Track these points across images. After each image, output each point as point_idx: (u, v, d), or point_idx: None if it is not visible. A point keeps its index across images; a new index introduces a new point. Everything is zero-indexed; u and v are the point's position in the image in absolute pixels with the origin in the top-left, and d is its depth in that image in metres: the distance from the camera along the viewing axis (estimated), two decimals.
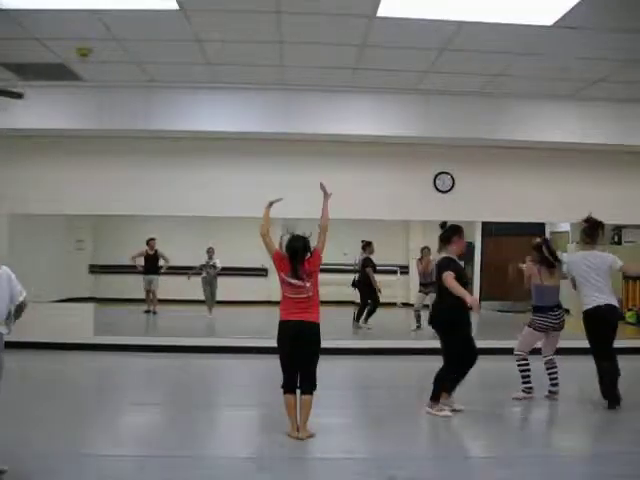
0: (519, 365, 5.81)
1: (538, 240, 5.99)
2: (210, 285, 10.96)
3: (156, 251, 11.04)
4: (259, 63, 6.61)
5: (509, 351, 7.76)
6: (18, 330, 8.03)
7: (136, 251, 11.03)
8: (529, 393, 5.77)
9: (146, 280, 11.07)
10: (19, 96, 6.26)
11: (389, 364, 7.57)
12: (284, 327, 4.58)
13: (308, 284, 4.51)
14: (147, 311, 11.11)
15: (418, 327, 9.72)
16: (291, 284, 4.53)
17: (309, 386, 4.59)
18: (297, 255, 4.51)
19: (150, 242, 11.00)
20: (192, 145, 7.79)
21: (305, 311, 4.54)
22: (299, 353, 4.56)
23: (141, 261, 11.06)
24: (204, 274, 10.93)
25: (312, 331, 4.57)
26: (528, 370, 5.77)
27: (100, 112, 7.36)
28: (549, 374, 5.82)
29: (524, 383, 5.78)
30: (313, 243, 4.67)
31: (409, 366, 7.58)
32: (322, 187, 4.96)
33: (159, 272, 11.08)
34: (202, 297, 10.96)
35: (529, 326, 5.82)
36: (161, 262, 11.09)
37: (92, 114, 7.39)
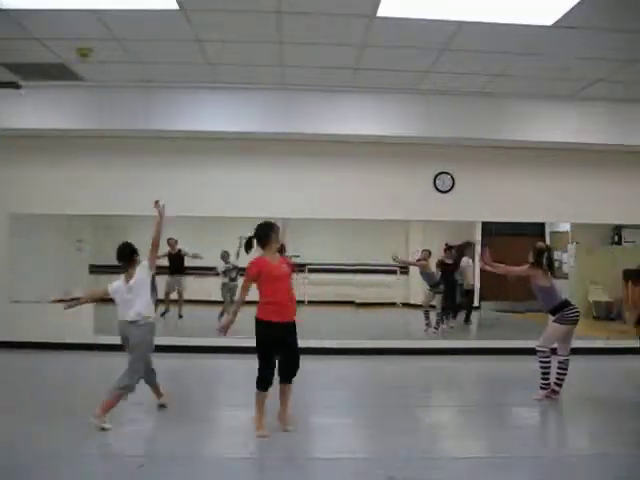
0: (542, 362, 5.80)
1: (542, 245, 6.08)
2: (230, 291, 10.15)
3: (179, 250, 10.49)
4: (259, 63, 6.61)
5: (508, 351, 7.83)
6: (18, 330, 8.07)
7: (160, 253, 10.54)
8: (546, 389, 5.80)
9: (172, 281, 10.41)
10: (17, 86, 6.23)
11: (389, 364, 7.57)
12: (269, 328, 4.65)
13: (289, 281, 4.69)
14: (164, 313, 10.40)
15: (427, 325, 9.72)
16: (276, 277, 4.63)
17: (290, 375, 4.75)
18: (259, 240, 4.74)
19: (170, 241, 10.30)
20: (192, 145, 7.79)
21: (285, 311, 4.68)
22: (279, 350, 4.66)
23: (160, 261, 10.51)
24: (226, 280, 10.24)
25: (293, 329, 4.70)
26: (549, 367, 5.80)
27: (100, 112, 7.37)
28: (558, 373, 5.81)
29: (543, 380, 5.80)
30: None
31: (409, 366, 7.57)
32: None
33: (184, 272, 10.46)
34: (202, 297, 10.78)
35: (558, 322, 5.78)
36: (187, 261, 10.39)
37: (92, 114, 7.40)
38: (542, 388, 5.81)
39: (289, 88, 7.32)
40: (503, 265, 6.04)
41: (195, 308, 10.91)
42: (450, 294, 10.02)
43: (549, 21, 5.21)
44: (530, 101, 7.52)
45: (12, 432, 4.53)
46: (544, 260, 5.81)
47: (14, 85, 6.22)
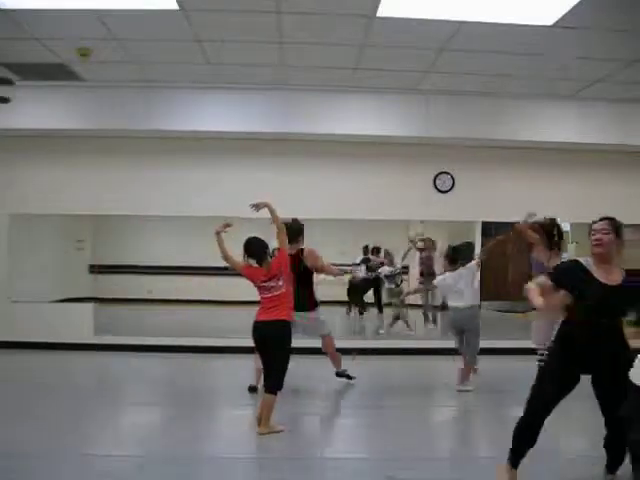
0: (540, 362, 5.67)
1: (549, 220, 5.58)
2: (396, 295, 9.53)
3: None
4: (259, 63, 6.61)
5: (509, 351, 7.83)
6: (18, 330, 8.06)
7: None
8: None
9: None
10: (5, 100, 6.26)
11: (389, 364, 7.57)
12: (254, 328, 4.75)
13: (280, 282, 4.68)
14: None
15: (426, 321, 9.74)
16: (264, 287, 4.71)
17: (269, 384, 4.63)
18: (255, 256, 4.76)
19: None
20: (192, 145, 7.78)
21: (273, 309, 4.67)
22: (267, 351, 4.68)
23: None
24: (392, 286, 9.54)
25: (277, 330, 4.65)
26: None
27: (100, 112, 7.37)
28: None
29: None
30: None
31: (409, 366, 7.58)
32: (258, 205, 5.16)
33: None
34: (202, 297, 10.74)
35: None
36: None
37: (92, 114, 7.40)
38: None
39: (289, 88, 7.32)
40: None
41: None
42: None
43: (549, 21, 5.22)
44: (530, 101, 7.52)
45: (11, 432, 4.53)
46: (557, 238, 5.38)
47: (4, 100, 6.23)
